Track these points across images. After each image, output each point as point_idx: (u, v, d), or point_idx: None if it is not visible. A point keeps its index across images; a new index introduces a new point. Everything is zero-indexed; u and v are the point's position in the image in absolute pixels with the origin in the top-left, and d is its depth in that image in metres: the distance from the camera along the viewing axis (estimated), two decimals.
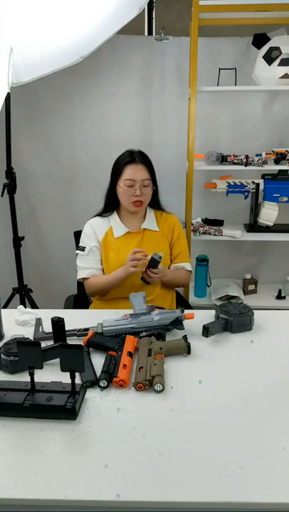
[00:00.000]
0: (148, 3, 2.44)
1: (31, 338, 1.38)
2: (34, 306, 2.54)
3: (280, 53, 2.30)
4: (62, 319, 1.34)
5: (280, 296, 2.71)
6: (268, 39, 2.39)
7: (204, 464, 0.90)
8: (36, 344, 1.06)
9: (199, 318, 1.46)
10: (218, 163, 2.50)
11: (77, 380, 1.08)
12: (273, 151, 2.50)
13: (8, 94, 2.17)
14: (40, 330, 1.43)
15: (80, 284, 1.97)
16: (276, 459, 0.91)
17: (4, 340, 1.39)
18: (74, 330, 1.40)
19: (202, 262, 2.65)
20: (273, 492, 0.84)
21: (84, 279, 1.82)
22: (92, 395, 1.12)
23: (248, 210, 2.71)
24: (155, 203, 1.91)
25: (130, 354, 1.25)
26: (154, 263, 1.66)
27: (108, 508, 0.85)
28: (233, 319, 1.43)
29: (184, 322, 1.43)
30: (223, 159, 2.50)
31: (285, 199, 2.56)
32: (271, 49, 2.32)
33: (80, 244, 1.85)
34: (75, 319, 1.48)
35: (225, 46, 2.62)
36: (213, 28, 2.52)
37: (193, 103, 2.34)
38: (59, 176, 2.83)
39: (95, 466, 0.89)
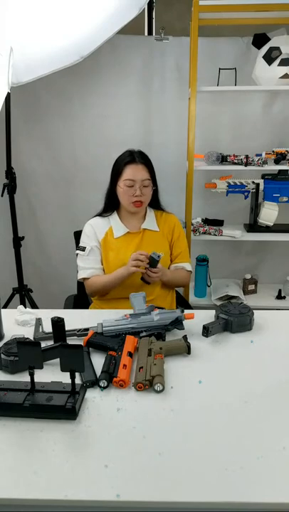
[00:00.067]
0: (148, 3, 2.44)
1: (31, 338, 1.38)
2: (34, 306, 2.54)
3: (280, 53, 2.30)
4: (62, 319, 1.34)
5: (280, 296, 2.71)
6: (268, 39, 2.39)
7: (204, 464, 0.90)
8: (36, 344, 1.06)
9: (199, 318, 1.46)
10: (218, 163, 2.50)
11: (77, 380, 1.08)
12: (273, 151, 2.50)
13: (8, 94, 2.17)
14: (40, 330, 1.43)
15: (80, 284, 1.97)
16: (276, 459, 0.91)
17: (4, 340, 1.39)
18: (74, 330, 1.40)
19: (202, 262, 2.65)
20: (273, 492, 0.84)
21: (85, 279, 1.82)
22: (92, 395, 1.12)
23: (248, 210, 2.71)
24: (155, 203, 1.91)
25: (130, 354, 1.25)
26: (153, 262, 1.66)
27: (108, 508, 0.85)
28: (233, 319, 1.43)
29: (184, 322, 1.43)
30: (223, 159, 2.50)
31: (285, 199, 2.56)
32: (271, 49, 2.33)
33: (80, 245, 1.85)
34: (75, 319, 1.48)
35: (225, 46, 2.62)
36: (213, 28, 2.52)
37: (193, 103, 2.34)
38: (59, 176, 2.83)
39: (95, 466, 0.90)
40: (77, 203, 2.83)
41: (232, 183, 2.54)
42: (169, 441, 0.96)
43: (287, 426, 1.01)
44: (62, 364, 1.05)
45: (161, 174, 1.88)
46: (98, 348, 1.32)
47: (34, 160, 2.79)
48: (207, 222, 2.71)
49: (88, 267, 1.81)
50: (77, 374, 1.07)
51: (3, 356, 1.22)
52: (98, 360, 1.25)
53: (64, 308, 1.96)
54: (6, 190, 2.37)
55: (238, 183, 2.54)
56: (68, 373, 1.05)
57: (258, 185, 2.53)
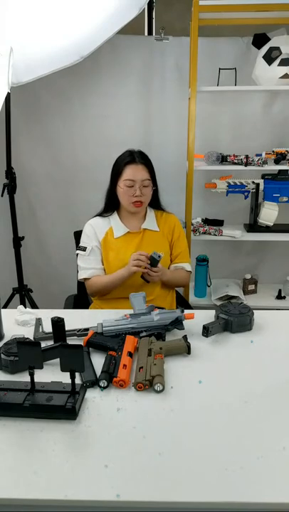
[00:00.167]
0: (148, 3, 2.44)
1: (31, 338, 1.38)
2: (34, 306, 2.54)
3: (280, 53, 2.30)
4: (62, 319, 1.34)
5: (280, 296, 2.71)
6: (268, 39, 2.39)
7: (204, 463, 0.90)
8: (36, 344, 1.06)
9: (199, 318, 1.46)
10: (218, 163, 2.50)
11: (77, 380, 1.08)
12: (273, 151, 2.50)
13: (8, 94, 2.17)
14: (40, 330, 1.43)
15: (80, 284, 1.97)
16: (276, 459, 0.91)
17: (4, 340, 1.39)
18: (74, 330, 1.40)
19: (202, 262, 2.65)
20: (273, 492, 0.84)
21: (85, 279, 1.82)
22: (92, 395, 1.12)
23: (248, 210, 2.71)
24: (155, 203, 1.91)
25: (130, 354, 1.25)
26: (153, 262, 1.66)
27: (108, 508, 0.85)
28: (233, 319, 1.43)
29: (184, 322, 1.43)
30: (223, 159, 2.50)
31: (285, 199, 2.56)
32: (271, 49, 2.33)
33: (80, 245, 1.85)
34: (75, 319, 1.48)
35: (225, 46, 2.62)
36: (213, 28, 2.52)
37: (193, 103, 2.34)
38: (59, 176, 2.82)
39: (95, 466, 0.90)
40: (77, 203, 2.83)
41: (232, 183, 2.54)
42: (169, 441, 0.96)
43: (287, 426, 1.01)
44: (62, 364, 1.05)
45: (161, 174, 1.88)
46: (98, 348, 1.32)
47: (34, 160, 2.79)
48: (207, 222, 2.71)
49: (89, 267, 1.81)
50: (77, 374, 1.07)
51: (3, 356, 1.22)
52: (98, 360, 1.25)
53: (64, 308, 1.96)
54: (6, 190, 2.37)
55: (238, 183, 2.54)
56: (68, 373, 1.05)
57: (258, 185, 2.53)
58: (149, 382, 1.13)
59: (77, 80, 2.62)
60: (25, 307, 1.59)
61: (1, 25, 1.98)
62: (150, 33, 2.95)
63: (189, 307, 2.10)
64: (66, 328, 1.35)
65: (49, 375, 1.15)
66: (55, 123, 2.74)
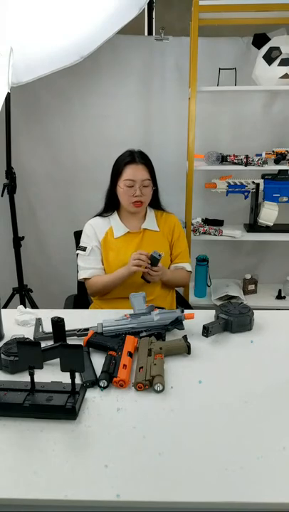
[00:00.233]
0: (148, 3, 2.44)
1: (31, 338, 1.38)
2: (34, 306, 2.54)
3: (280, 53, 2.30)
4: (62, 319, 1.34)
5: (280, 296, 2.71)
6: (268, 39, 2.39)
7: (204, 463, 0.90)
8: (36, 344, 1.06)
9: (199, 318, 1.46)
10: (218, 163, 2.50)
11: (77, 380, 1.08)
12: (273, 151, 2.50)
13: (8, 94, 2.17)
14: (40, 330, 1.43)
15: (80, 284, 1.97)
16: (276, 459, 0.91)
17: (4, 340, 1.39)
18: (74, 330, 1.40)
19: (202, 262, 2.65)
20: (273, 492, 0.84)
21: (85, 279, 1.82)
22: (92, 395, 1.12)
23: (248, 210, 2.71)
24: (155, 203, 1.91)
25: (130, 354, 1.25)
26: (153, 261, 1.66)
27: (108, 508, 0.85)
28: (233, 319, 1.43)
29: (184, 322, 1.43)
30: (223, 159, 2.50)
31: (285, 199, 2.56)
32: (271, 49, 2.33)
33: (80, 244, 1.85)
34: (75, 319, 1.48)
35: (225, 46, 2.62)
36: (213, 28, 2.52)
37: (193, 103, 2.34)
38: (59, 176, 2.82)
39: (95, 466, 0.89)
40: (77, 203, 2.83)
41: (232, 183, 2.54)
42: (169, 441, 0.96)
43: (287, 426, 1.01)
44: (62, 364, 1.05)
45: (161, 174, 1.88)
46: (98, 348, 1.32)
47: (34, 160, 2.79)
48: (207, 222, 2.71)
49: (89, 267, 1.81)
50: (77, 374, 1.07)
51: (3, 356, 1.22)
52: (98, 360, 1.25)
53: (64, 308, 1.96)
54: (6, 190, 2.37)
55: (238, 183, 2.54)
56: (68, 373, 1.05)
57: (258, 185, 2.53)
58: (149, 382, 1.13)
59: (77, 80, 2.62)
60: (25, 307, 1.59)
61: (1, 25, 1.98)
62: (150, 33, 2.95)
63: (189, 307, 2.10)
64: (66, 328, 1.35)
65: (49, 375, 1.15)
66: (55, 123, 2.74)
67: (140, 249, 1.75)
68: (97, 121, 2.73)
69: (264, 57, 2.35)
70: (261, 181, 2.54)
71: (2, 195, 2.36)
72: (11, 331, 1.41)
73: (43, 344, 1.27)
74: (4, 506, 0.85)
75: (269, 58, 2.33)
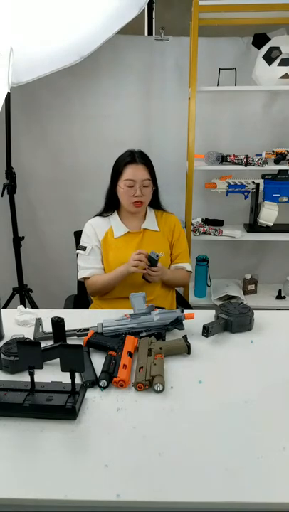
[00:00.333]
0: (148, 3, 2.44)
1: (31, 338, 1.38)
2: (34, 306, 2.54)
3: (280, 53, 2.30)
4: (62, 319, 1.34)
5: (280, 296, 2.71)
6: (268, 39, 2.39)
7: (204, 463, 0.90)
8: (36, 344, 1.06)
9: (199, 318, 1.45)
10: (218, 163, 2.50)
11: (77, 380, 1.08)
12: (273, 151, 2.50)
13: (8, 94, 2.17)
14: (40, 330, 1.43)
15: (80, 284, 1.97)
16: (276, 459, 0.91)
17: (4, 340, 1.39)
18: (74, 330, 1.40)
19: (202, 262, 2.65)
20: (273, 492, 0.84)
21: (85, 278, 1.82)
22: (92, 395, 1.12)
23: (248, 210, 2.71)
24: (155, 203, 1.91)
25: (130, 354, 1.25)
26: (151, 261, 1.66)
27: (108, 508, 0.85)
28: (233, 319, 1.43)
29: (184, 322, 1.43)
30: (223, 159, 2.50)
31: (285, 199, 2.56)
32: (271, 49, 2.33)
33: (80, 244, 1.85)
34: (75, 319, 1.48)
35: (225, 46, 2.62)
36: (213, 28, 2.52)
37: (193, 103, 2.34)
38: (59, 176, 2.82)
39: (95, 466, 0.89)
40: (77, 203, 2.83)
41: (232, 183, 2.54)
42: (169, 441, 0.96)
43: (287, 426, 1.01)
44: (62, 364, 1.05)
45: (161, 174, 1.88)
46: (98, 348, 1.32)
47: (34, 160, 2.79)
48: (207, 222, 2.71)
49: (89, 267, 1.81)
50: (77, 374, 1.07)
51: (3, 356, 1.22)
52: (98, 360, 1.25)
53: (64, 308, 1.96)
54: (6, 190, 2.37)
55: (238, 183, 2.54)
56: (68, 373, 1.05)
57: (258, 185, 2.53)
58: (149, 382, 1.13)
59: (77, 80, 2.62)
60: (25, 307, 1.59)
61: (1, 25, 1.98)
62: (150, 33, 2.95)
63: (189, 307, 2.10)
64: (66, 328, 1.35)
65: (49, 375, 1.14)
66: (55, 123, 2.74)
67: (140, 249, 1.75)
68: (97, 121, 2.73)
69: (264, 57, 2.35)
70: (261, 181, 2.54)
71: (2, 195, 2.36)
72: (11, 331, 1.41)
73: (43, 344, 1.28)
74: (4, 506, 0.85)
75: (269, 58, 2.33)
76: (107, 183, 1.86)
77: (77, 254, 1.86)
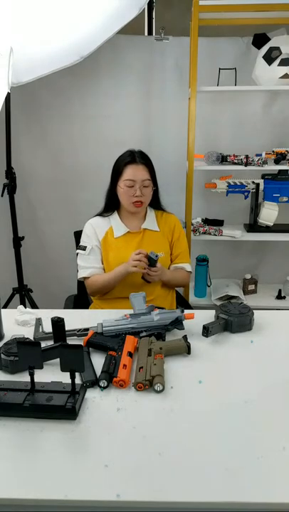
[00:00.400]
0: (148, 3, 2.44)
1: (31, 338, 1.38)
2: (34, 306, 2.54)
3: (280, 53, 2.30)
4: (62, 319, 1.34)
5: (280, 296, 2.71)
6: (268, 39, 2.39)
7: (204, 463, 0.90)
8: (36, 344, 1.06)
9: (199, 318, 1.45)
10: (218, 163, 2.50)
11: (77, 380, 1.08)
12: (273, 151, 2.50)
13: (8, 94, 2.17)
14: (40, 330, 1.43)
15: (80, 284, 1.97)
16: (276, 459, 0.91)
17: (4, 340, 1.39)
18: (74, 330, 1.40)
19: (202, 262, 2.65)
20: (273, 492, 0.84)
21: (85, 278, 1.82)
22: (92, 395, 1.12)
23: (248, 210, 2.71)
24: (156, 203, 1.91)
25: (130, 354, 1.25)
26: (150, 262, 1.66)
27: (108, 508, 0.85)
28: (233, 319, 1.43)
29: (184, 322, 1.43)
30: (223, 159, 2.50)
31: (285, 199, 2.56)
32: (271, 49, 2.33)
33: (80, 244, 1.85)
34: (75, 319, 1.48)
35: (225, 46, 2.62)
36: (213, 28, 2.52)
37: (193, 103, 2.34)
38: (59, 176, 2.82)
39: (95, 466, 0.89)
40: (77, 203, 2.83)
41: (232, 183, 2.54)
42: (169, 441, 0.96)
43: (287, 426, 1.01)
44: (62, 364, 1.05)
45: (161, 174, 1.88)
46: (98, 348, 1.32)
47: (34, 160, 2.79)
48: (207, 222, 2.71)
49: (89, 266, 1.81)
50: (77, 374, 1.07)
51: (3, 356, 1.22)
52: (98, 360, 1.25)
53: (64, 308, 1.96)
54: (6, 190, 2.37)
55: (238, 183, 2.54)
56: (68, 373, 1.05)
57: (258, 185, 2.53)
58: (149, 382, 1.13)
59: (77, 80, 2.62)
60: (25, 307, 1.59)
61: (1, 25, 1.98)
62: (150, 33, 2.95)
63: (189, 307, 2.10)
64: (66, 328, 1.35)
65: (49, 375, 1.14)
66: (55, 123, 2.74)
67: (140, 249, 1.75)
68: (97, 121, 2.73)
69: (264, 57, 2.35)
70: (261, 181, 2.54)
71: (2, 195, 2.36)
72: (11, 331, 1.41)
73: (43, 344, 1.28)
74: (4, 506, 0.85)
75: (269, 58, 2.33)
76: (107, 183, 1.86)
77: (77, 253, 1.86)
